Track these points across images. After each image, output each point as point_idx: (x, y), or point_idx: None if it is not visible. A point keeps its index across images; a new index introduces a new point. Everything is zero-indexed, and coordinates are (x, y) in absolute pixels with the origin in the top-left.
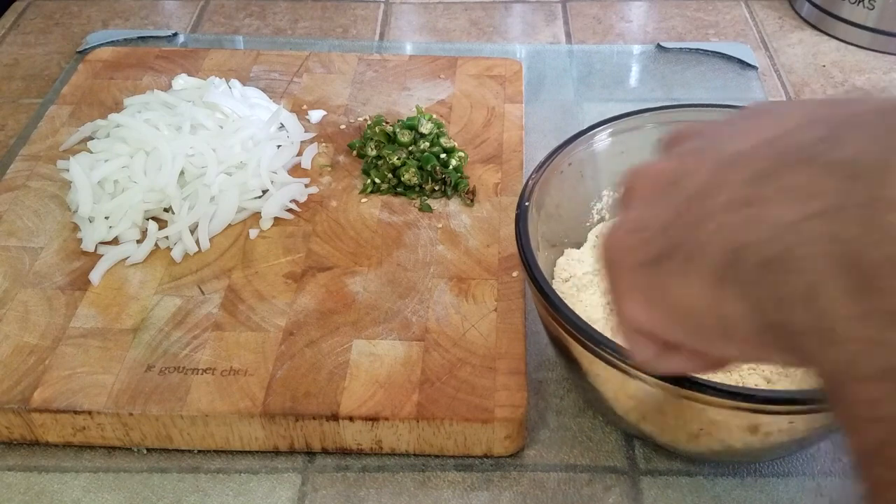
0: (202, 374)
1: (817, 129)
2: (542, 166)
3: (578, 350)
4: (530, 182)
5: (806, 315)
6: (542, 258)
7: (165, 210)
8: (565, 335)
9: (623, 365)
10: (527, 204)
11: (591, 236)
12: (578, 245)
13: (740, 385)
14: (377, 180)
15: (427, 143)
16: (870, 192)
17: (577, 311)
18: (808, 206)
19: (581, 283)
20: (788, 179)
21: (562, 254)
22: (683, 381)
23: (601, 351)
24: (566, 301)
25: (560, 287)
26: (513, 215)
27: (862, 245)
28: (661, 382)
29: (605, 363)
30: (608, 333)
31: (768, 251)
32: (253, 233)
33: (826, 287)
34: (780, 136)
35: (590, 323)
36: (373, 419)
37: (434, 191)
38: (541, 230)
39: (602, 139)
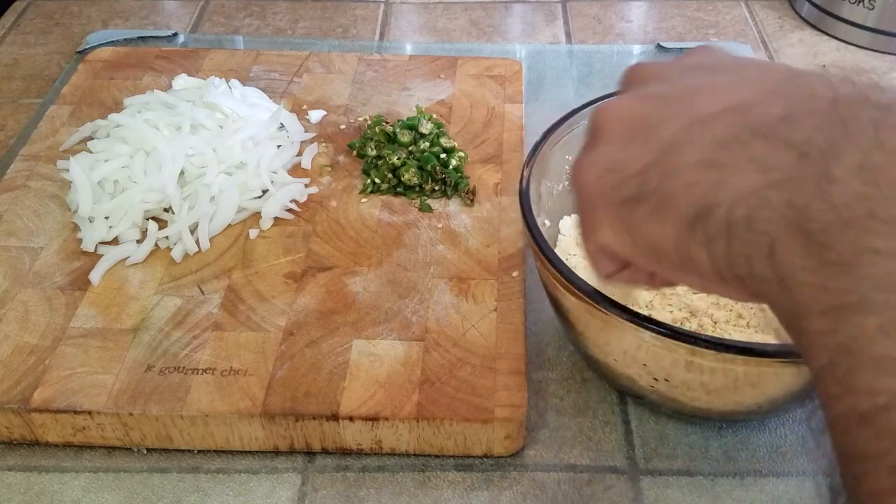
0: (202, 374)
1: (777, 106)
2: (543, 139)
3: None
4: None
5: (767, 267)
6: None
7: (165, 210)
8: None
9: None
10: (528, 172)
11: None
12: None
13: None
14: (377, 180)
15: (427, 143)
16: (818, 169)
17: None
18: (768, 177)
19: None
20: (752, 151)
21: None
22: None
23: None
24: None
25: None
26: (513, 215)
27: (811, 211)
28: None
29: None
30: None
31: (735, 213)
32: (253, 233)
33: (784, 244)
34: (744, 106)
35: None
36: (373, 419)
37: (434, 191)
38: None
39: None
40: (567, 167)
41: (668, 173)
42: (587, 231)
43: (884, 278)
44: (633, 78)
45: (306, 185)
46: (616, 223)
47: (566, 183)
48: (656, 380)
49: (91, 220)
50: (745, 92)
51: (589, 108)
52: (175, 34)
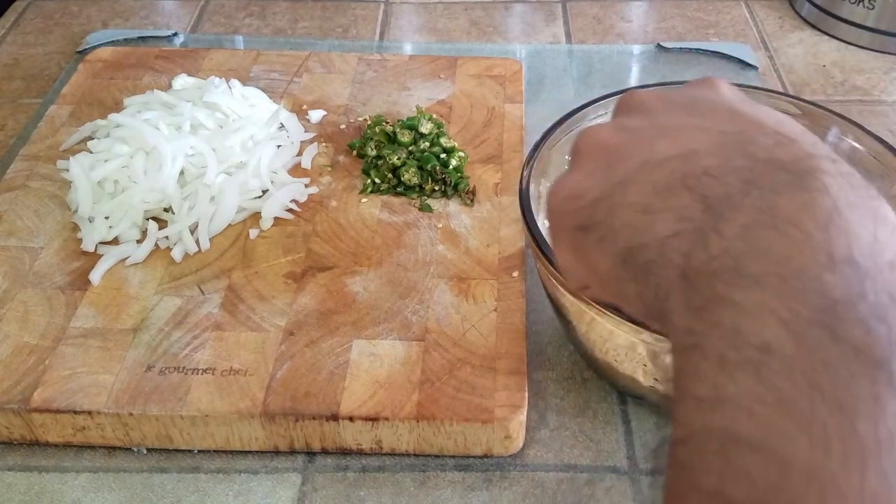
0: (202, 374)
1: (715, 158)
2: (544, 138)
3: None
4: (536, 149)
5: (660, 307)
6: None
7: (165, 210)
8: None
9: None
10: (527, 172)
11: None
12: None
13: None
14: (377, 180)
15: (427, 143)
16: (713, 223)
17: None
18: (678, 226)
19: None
20: (675, 200)
21: None
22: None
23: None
24: None
25: None
26: (513, 215)
27: (693, 260)
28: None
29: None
30: None
31: (646, 256)
32: (253, 233)
33: (672, 289)
34: (691, 154)
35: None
36: (373, 419)
37: (434, 191)
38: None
39: (602, 114)
40: (567, 167)
41: (612, 209)
42: (554, 247)
43: (721, 325)
44: (623, 106)
45: (306, 185)
46: (571, 246)
47: None
48: (656, 380)
49: (91, 220)
50: (701, 139)
51: (589, 107)
52: (175, 34)
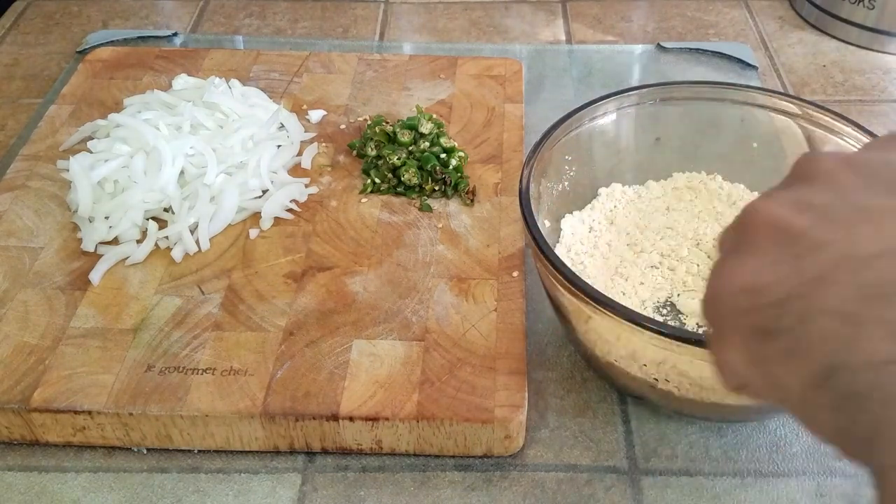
0: (202, 374)
1: None
2: (545, 137)
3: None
4: (538, 147)
5: (868, 448)
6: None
7: (165, 210)
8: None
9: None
10: (529, 172)
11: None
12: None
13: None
14: (377, 180)
15: (427, 143)
16: None
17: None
18: (895, 347)
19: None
20: (892, 312)
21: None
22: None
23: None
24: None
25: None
26: (513, 215)
27: None
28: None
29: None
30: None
31: (857, 384)
32: (253, 233)
33: (888, 433)
34: None
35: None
36: (373, 419)
37: (434, 191)
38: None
39: (602, 114)
40: (567, 167)
41: (805, 315)
42: (715, 342)
43: None
44: (801, 173)
45: (306, 185)
46: (745, 350)
47: (566, 183)
48: (656, 380)
49: (91, 220)
50: None
51: (589, 107)
52: (175, 34)
